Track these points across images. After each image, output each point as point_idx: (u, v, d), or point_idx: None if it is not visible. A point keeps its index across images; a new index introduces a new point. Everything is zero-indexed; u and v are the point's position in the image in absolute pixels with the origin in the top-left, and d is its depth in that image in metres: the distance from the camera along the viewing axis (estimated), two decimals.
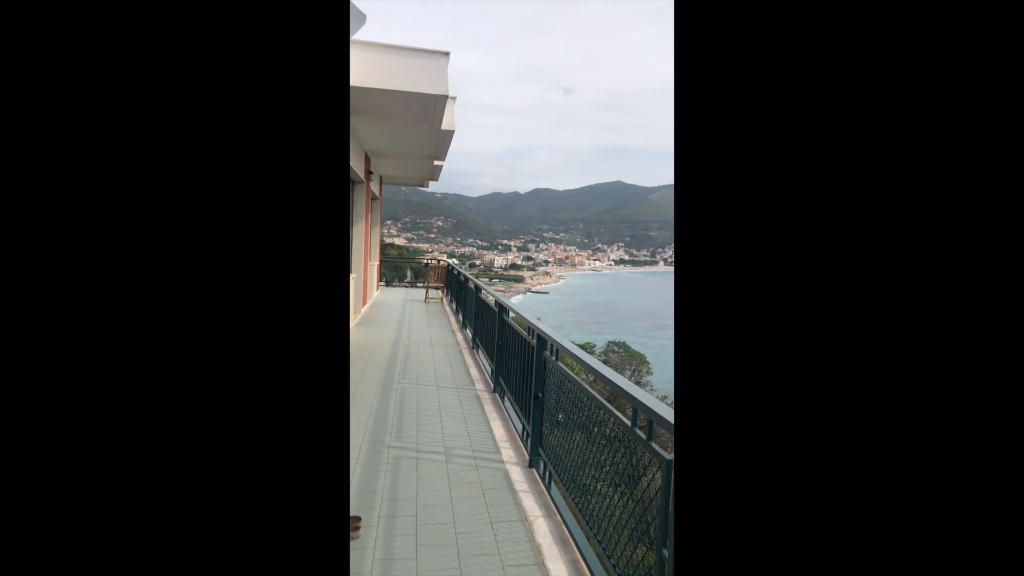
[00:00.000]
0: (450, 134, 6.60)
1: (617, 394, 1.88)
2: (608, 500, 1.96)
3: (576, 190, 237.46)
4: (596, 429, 2.11)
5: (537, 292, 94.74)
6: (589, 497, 2.14)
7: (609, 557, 1.91)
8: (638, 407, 1.72)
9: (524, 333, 3.36)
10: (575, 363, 2.42)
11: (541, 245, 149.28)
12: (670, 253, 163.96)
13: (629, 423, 1.82)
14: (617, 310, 75.58)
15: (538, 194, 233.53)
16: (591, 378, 2.21)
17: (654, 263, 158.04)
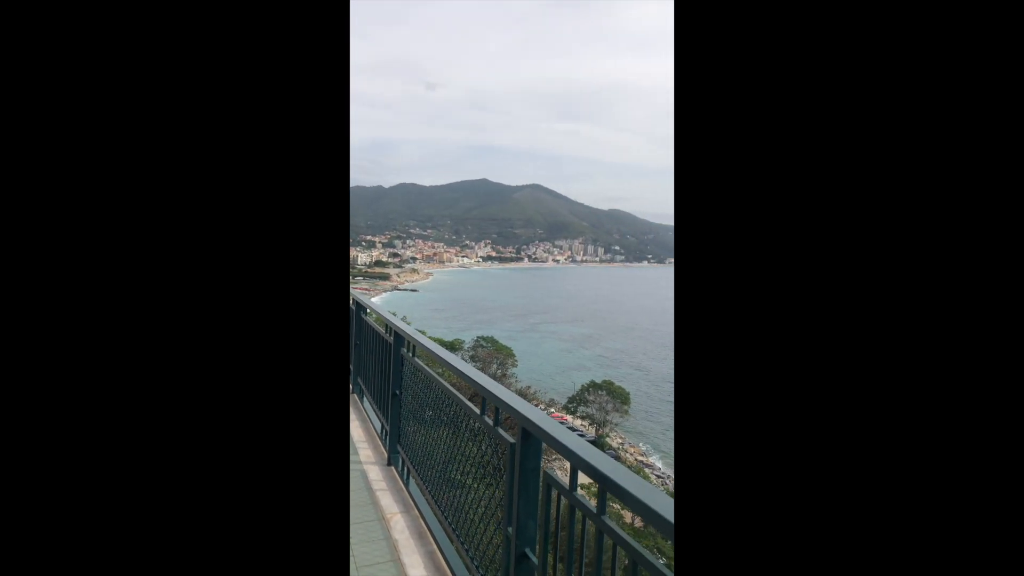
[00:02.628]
0: None
1: (467, 385, 1.95)
2: (469, 490, 2.01)
3: (443, 186, 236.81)
4: (464, 424, 2.14)
5: (405, 290, 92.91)
6: (456, 491, 2.15)
7: (463, 543, 1.97)
8: (486, 396, 1.80)
9: (382, 331, 3.30)
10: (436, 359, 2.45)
11: (408, 241, 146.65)
12: (534, 250, 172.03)
13: (479, 411, 1.90)
14: (486, 306, 77.16)
15: (404, 189, 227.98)
16: (454, 377, 2.25)
17: (519, 259, 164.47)
